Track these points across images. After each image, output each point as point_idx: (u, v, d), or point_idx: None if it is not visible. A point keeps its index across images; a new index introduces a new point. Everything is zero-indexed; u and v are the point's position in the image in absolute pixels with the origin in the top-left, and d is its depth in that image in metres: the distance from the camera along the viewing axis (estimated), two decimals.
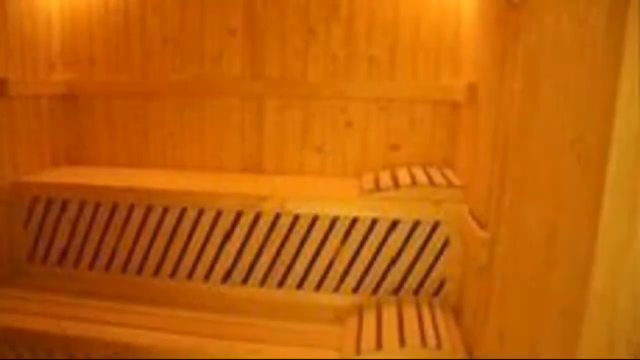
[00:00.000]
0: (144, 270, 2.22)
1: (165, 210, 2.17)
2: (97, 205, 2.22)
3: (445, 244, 2.00)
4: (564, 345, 0.84)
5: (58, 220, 2.27)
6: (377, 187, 2.05)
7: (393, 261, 2.04)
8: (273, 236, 2.10)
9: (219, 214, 2.13)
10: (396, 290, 2.06)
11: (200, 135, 2.56)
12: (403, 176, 2.12)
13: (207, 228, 2.15)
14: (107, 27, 2.55)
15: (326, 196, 2.10)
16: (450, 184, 1.98)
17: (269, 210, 2.07)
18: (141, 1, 2.50)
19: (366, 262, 2.06)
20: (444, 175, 2.12)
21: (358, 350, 1.65)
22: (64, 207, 2.26)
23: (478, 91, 1.78)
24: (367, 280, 2.07)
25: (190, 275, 2.19)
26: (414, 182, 2.03)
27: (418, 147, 2.40)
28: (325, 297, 2.10)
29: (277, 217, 2.09)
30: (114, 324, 1.87)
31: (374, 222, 2.03)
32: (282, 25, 2.41)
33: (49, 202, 2.26)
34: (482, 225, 1.53)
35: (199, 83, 2.52)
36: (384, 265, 2.05)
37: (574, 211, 0.84)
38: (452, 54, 2.31)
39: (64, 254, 2.29)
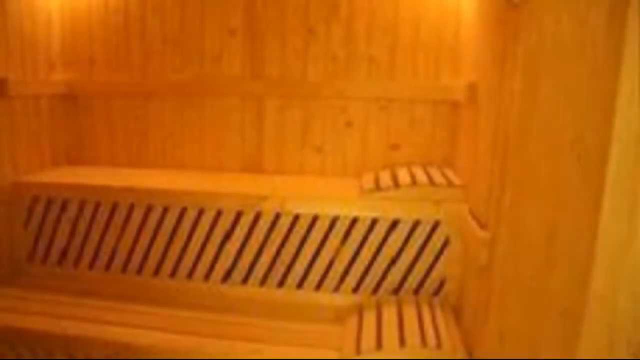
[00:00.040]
0: (144, 270, 2.22)
1: (165, 210, 2.17)
2: (97, 205, 2.22)
3: (446, 244, 2.00)
4: (564, 345, 0.84)
5: (58, 220, 2.27)
6: (377, 187, 2.05)
7: (393, 261, 2.04)
8: (273, 236, 2.10)
9: (219, 213, 2.13)
10: (396, 290, 2.06)
11: (200, 135, 2.56)
12: (403, 176, 2.12)
13: (207, 228, 2.15)
14: (107, 27, 2.55)
15: (326, 196, 2.10)
16: (450, 184, 1.98)
17: (269, 210, 2.07)
18: (141, 1, 2.50)
19: (366, 262, 2.06)
20: (444, 175, 2.12)
21: (358, 350, 1.65)
22: (64, 207, 2.26)
23: (478, 91, 1.78)
24: (367, 280, 2.07)
25: (190, 275, 2.19)
26: (414, 181, 2.03)
27: (418, 147, 2.40)
28: (325, 297, 2.10)
29: (277, 217, 2.09)
30: (114, 323, 1.87)
31: (374, 221, 2.03)
32: (282, 25, 2.41)
33: (49, 202, 2.26)
34: (482, 225, 1.53)
35: (199, 83, 2.52)
36: (384, 265, 2.05)
37: (574, 211, 0.84)
38: (452, 54, 2.31)
39: (64, 253, 2.29)
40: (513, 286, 1.19)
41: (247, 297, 2.13)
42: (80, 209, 2.24)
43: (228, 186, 2.22)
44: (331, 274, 2.09)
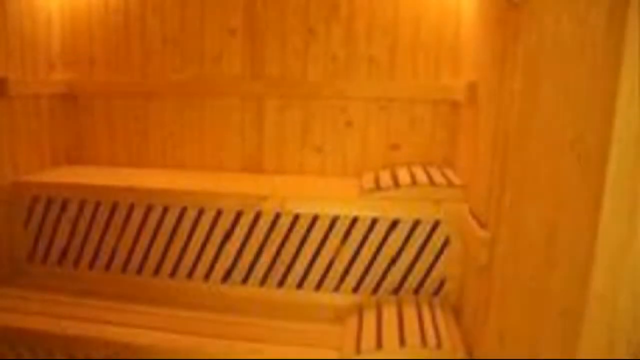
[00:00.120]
0: (144, 269, 2.23)
1: (166, 210, 2.17)
2: (97, 205, 2.22)
3: (446, 244, 2.00)
4: (564, 345, 0.84)
5: (58, 219, 2.27)
6: (377, 187, 2.05)
7: (393, 261, 2.04)
8: (273, 236, 2.10)
9: (219, 213, 2.13)
10: (396, 290, 2.06)
11: (200, 135, 2.56)
12: (403, 176, 2.12)
13: (207, 228, 2.15)
14: (107, 27, 2.55)
15: (326, 196, 2.10)
16: (450, 184, 1.98)
17: (269, 209, 2.07)
18: (141, 1, 2.50)
19: (366, 262, 2.06)
20: (444, 174, 2.12)
21: (358, 349, 1.65)
22: (64, 207, 2.26)
23: (478, 91, 1.78)
24: (367, 279, 2.07)
25: (190, 274, 2.19)
26: (414, 181, 2.03)
27: (418, 147, 2.40)
28: (325, 297, 2.10)
29: (277, 216, 2.09)
30: (114, 323, 1.87)
31: (374, 221, 2.03)
32: (282, 25, 2.41)
33: (49, 202, 2.26)
34: (482, 225, 1.53)
35: (199, 83, 2.52)
36: (384, 265, 2.05)
37: (574, 211, 0.84)
38: (452, 54, 2.31)
39: (64, 253, 2.29)
40: (513, 286, 1.19)
41: (247, 297, 2.13)
42: (80, 209, 2.24)
43: (228, 186, 2.22)
44: (331, 273, 2.09)
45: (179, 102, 2.56)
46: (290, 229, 2.09)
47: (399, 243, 2.02)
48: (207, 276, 2.18)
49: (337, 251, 2.07)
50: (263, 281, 2.14)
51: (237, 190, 2.14)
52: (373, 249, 2.04)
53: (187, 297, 2.14)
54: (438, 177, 2.07)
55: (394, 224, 2.02)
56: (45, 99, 2.47)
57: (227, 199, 2.10)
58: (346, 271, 2.08)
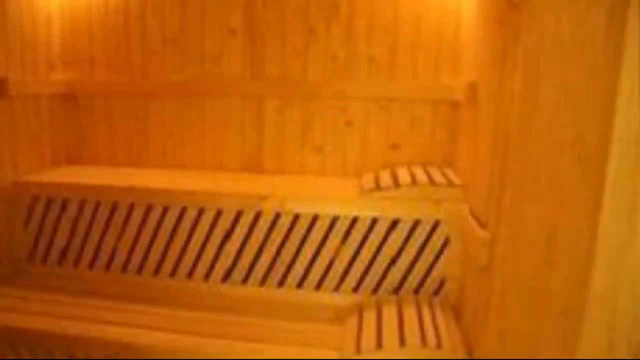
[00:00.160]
0: (144, 269, 2.23)
1: (166, 210, 2.17)
2: (97, 205, 2.22)
3: (446, 244, 2.00)
4: (564, 345, 0.84)
5: (58, 219, 2.27)
6: (377, 187, 2.05)
7: (393, 260, 2.04)
8: (273, 235, 2.10)
9: (219, 213, 2.13)
10: (396, 290, 2.06)
11: (200, 135, 2.56)
12: (403, 175, 2.12)
13: (207, 227, 2.15)
14: (107, 27, 2.55)
15: (326, 196, 2.10)
16: (450, 184, 1.98)
17: (269, 209, 2.07)
18: (141, 1, 2.50)
19: (366, 262, 2.06)
20: (444, 174, 2.12)
21: (358, 349, 1.65)
22: (64, 207, 2.26)
23: (478, 91, 1.78)
24: (367, 279, 2.07)
25: (190, 274, 2.19)
26: (414, 181, 2.03)
27: (418, 147, 2.40)
28: (325, 297, 2.10)
29: (277, 216, 2.09)
30: (114, 323, 1.87)
31: (374, 221, 2.03)
32: (282, 25, 2.41)
33: (49, 202, 2.26)
34: (482, 225, 1.53)
35: (199, 83, 2.52)
36: (384, 265, 2.05)
37: (574, 211, 0.84)
38: (452, 54, 2.31)
39: (64, 253, 2.29)
40: (513, 286, 1.19)
41: (247, 296, 2.13)
42: (80, 209, 2.24)
43: (228, 186, 2.22)
44: (331, 273, 2.09)
45: (179, 102, 2.56)
46: (290, 229, 2.09)
47: (399, 243, 2.02)
48: (207, 276, 2.18)
49: (337, 251, 2.07)
50: (263, 281, 2.14)
51: (237, 190, 2.14)
52: (373, 248, 2.04)
53: (187, 297, 2.14)
54: (438, 177, 2.07)
55: (394, 224, 2.02)
56: (45, 99, 2.47)
57: (227, 198, 2.10)
58: (346, 271, 2.08)
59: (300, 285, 2.12)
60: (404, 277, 2.05)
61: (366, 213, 2.02)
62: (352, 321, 1.87)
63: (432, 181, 2.01)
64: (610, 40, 0.74)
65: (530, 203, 1.10)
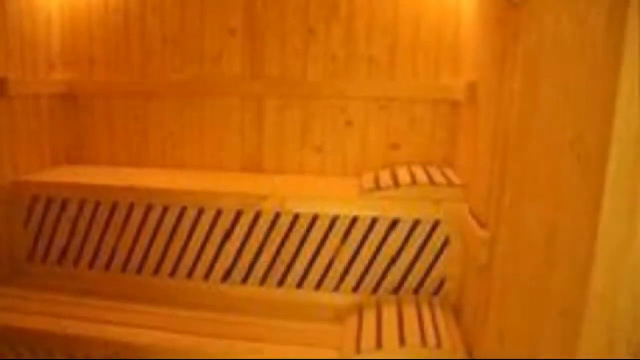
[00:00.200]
0: (144, 269, 2.23)
1: (166, 210, 2.17)
2: (97, 205, 2.22)
3: (446, 244, 2.00)
4: (564, 345, 0.84)
5: (58, 219, 2.27)
6: (377, 187, 2.05)
7: (393, 260, 2.04)
8: (273, 235, 2.10)
9: (219, 213, 2.13)
10: (396, 290, 2.06)
11: (200, 135, 2.57)
12: (403, 175, 2.12)
13: (207, 227, 2.15)
14: (107, 27, 2.55)
15: (326, 195, 2.10)
16: (450, 184, 1.98)
17: (269, 209, 2.07)
18: (141, 1, 2.50)
19: (366, 262, 2.06)
20: (444, 174, 2.12)
21: (358, 349, 1.65)
22: (64, 207, 2.26)
23: (478, 91, 1.78)
24: (367, 279, 2.07)
25: (190, 274, 2.19)
26: (414, 181, 2.03)
27: (418, 147, 2.40)
28: (325, 297, 2.10)
29: (277, 216, 2.09)
30: (114, 323, 1.87)
31: (374, 221, 2.03)
32: (282, 25, 2.41)
33: (49, 202, 2.26)
34: (482, 225, 1.53)
35: (199, 83, 2.52)
36: (384, 265, 2.05)
37: (574, 211, 0.84)
38: (452, 54, 2.31)
39: (64, 253, 2.29)
40: (513, 286, 1.19)
41: (247, 296, 2.13)
42: (80, 209, 2.24)
43: (228, 186, 2.22)
44: (331, 273, 2.09)
45: (179, 102, 2.56)
46: (290, 229, 2.09)
47: (399, 243, 2.03)
48: (207, 276, 2.18)
49: (337, 251, 2.07)
50: (263, 281, 2.14)
51: (237, 190, 2.14)
52: (373, 248, 2.04)
53: (187, 296, 2.14)
54: (438, 177, 2.07)
55: (394, 224, 2.02)
56: (45, 99, 2.47)
57: (227, 198, 2.10)
58: (346, 271, 2.08)
59: (300, 285, 2.12)
60: (404, 277, 2.05)
61: (366, 213, 2.02)
62: (352, 321, 1.87)
63: (432, 181, 2.01)
64: (610, 40, 0.74)
65: (530, 203, 1.10)
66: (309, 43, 2.41)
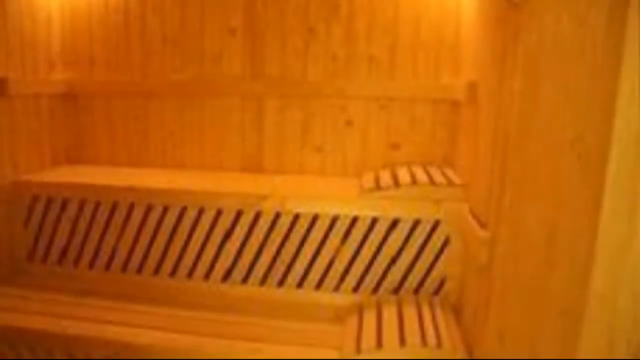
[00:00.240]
0: (144, 269, 2.23)
1: (166, 210, 2.17)
2: (97, 205, 2.22)
3: (446, 243, 2.00)
4: (564, 345, 0.84)
5: (58, 219, 2.27)
6: (378, 186, 2.05)
7: (393, 260, 2.04)
8: (273, 235, 2.10)
9: (219, 213, 2.13)
10: (396, 290, 2.06)
11: (200, 135, 2.56)
12: (403, 175, 2.12)
13: (207, 227, 2.15)
14: (107, 27, 2.55)
15: (326, 195, 2.10)
16: (450, 183, 1.98)
17: (269, 209, 2.07)
18: (141, 1, 2.50)
19: (366, 261, 2.06)
20: (444, 174, 2.12)
21: (358, 349, 1.65)
22: (64, 206, 2.26)
23: (478, 90, 1.78)
24: (367, 279, 2.07)
25: (190, 274, 2.19)
26: (414, 181, 2.03)
27: (418, 146, 2.40)
28: (325, 296, 2.10)
29: (277, 216, 2.09)
30: (114, 323, 1.87)
31: (374, 221, 2.03)
32: (282, 24, 2.41)
33: (49, 201, 2.27)
34: (483, 225, 1.53)
35: (199, 83, 2.52)
36: (384, 265, 2.05)
37: (574, 211, 0.84)
38: (452, 53, 2.31)
39: (64, 253, 2.29)
40: (513, 286, 1.19)
41: (247, 296, 2.13)
42: (80, 208, 2.24)
43: (228, 185, 2.22)
44: (331, 273, 2.09)
45: (179, 101, 2.56)
46: (290, 229, 2.09)
47: (399, 243, 2.02)
48: (207, 276, 2.18)
49: (337, 251, 2.07)
50: (263, 281, 2.14)
51: (237, 190, 2.14)
52: (373, 248, 2.04)
53: (187, 296, 2.14)
54: (438, 177, 2.07)
55: (394, 224, 2.02)
56: (45, 98, 2.47)
57: (227, 198, 2.10)
58: (346, 271, 2.08)
59: (300, 285, 2.12)
60: (404, 277, 2.05)
61: (366, 213, 2.02)
62: (352, 321, 1.87)
63: (432, 181, 2.01)
64: (610, 40, 0.74)
65: (530, 203, 1.10)
66: (309, 43, 2.41)
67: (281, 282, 2.13)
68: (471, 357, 1.61)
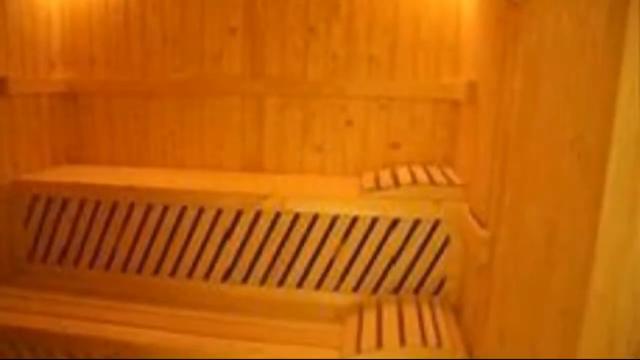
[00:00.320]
0: (144, 269, 2.23)
1: (166, 209, 2.17)
2: (97, 204, 2.22)
3: (446, 243, 2.00)
4: (564, 345, 0.84)
5: (58, 219, 2.27)
6: (378, 186, 2.05)
7: (393, 260, 2.04)
8: (273, 235, 2.10)
9: (219, 212, 2.13)
10: (396, 289, 2.06)
11: (200, 135, 2.56)
12: (403, 175, 2.12)
13: (207, 227, 2.15)
14: (107, 26, 2.55)
15: (326, 195, 2.10)
16: (450, 183, 1.98)
17: (269, 209, 2.07)
18: (141, 0, 2.50)
19: (366, 261, 2.06)
20: (444, 174, 2.12)
21: (358, 349, 1.65)
22: (64, 206, 2.26)
23: (478, 90, 1.78)
24: (368, 279, 2.07)
25: (190, 274, 2.19)
26: (414, 180, 2.03)
27: (418, 146, 2.40)
28: (325, 296, 2.10)
29: (278, 216, 2.09)
30: (114, 322, 1.87)
31: (374, 220, 2.03)
32: (282, 24, 2.41)
33: (49, 201, 2.27)
34: (483, 224, 1.53)
35: (199, 82, 2.52)
36: (384, 264, 2.05)
37: (574, 211, 0.84)
38: (452, 53, 2.31)
39: (64, 252, 2.29)
40: (513, 286, 1.19)
41: (247, 296, 2.14)
42: (81, 208, 2.24)
43: (228, 185, 2.22)
44: (331, 273, 2.09)
45: (179, 101, 2.56)
46: (290, 228, 2.09)
47: (399, 242, 2.02)
48: (207, 275, 2.18)
49: (337, 250, 2.07)
50: (263, 280, 2.14)
51: (237, 190, 2.14)
52: (373, 248, 2.04)
53: (187, 296, 2.14)
54: (438, 176, 2.07)
55: (394, 223, 2.02)
56: (45, 98, 2.47)
57: (227, 198, 2.10)
58: (346, 270, 2.08)
59: (300, 284, 2.12)
60: (404, 277, 2.05)
61: (366, 212, 2.02)
62: (352, 321, 1.87)
63: (432, 180, 2.01)
64: (610, 40, 0.74)
65: (530, 203, 1.10)
66: (309, 42, 2.41)
67: (281, 282, 2.13)
68: (471, 357, 1.61)
